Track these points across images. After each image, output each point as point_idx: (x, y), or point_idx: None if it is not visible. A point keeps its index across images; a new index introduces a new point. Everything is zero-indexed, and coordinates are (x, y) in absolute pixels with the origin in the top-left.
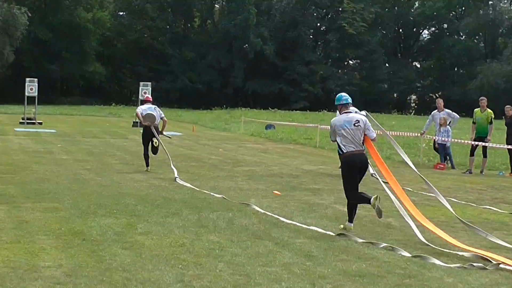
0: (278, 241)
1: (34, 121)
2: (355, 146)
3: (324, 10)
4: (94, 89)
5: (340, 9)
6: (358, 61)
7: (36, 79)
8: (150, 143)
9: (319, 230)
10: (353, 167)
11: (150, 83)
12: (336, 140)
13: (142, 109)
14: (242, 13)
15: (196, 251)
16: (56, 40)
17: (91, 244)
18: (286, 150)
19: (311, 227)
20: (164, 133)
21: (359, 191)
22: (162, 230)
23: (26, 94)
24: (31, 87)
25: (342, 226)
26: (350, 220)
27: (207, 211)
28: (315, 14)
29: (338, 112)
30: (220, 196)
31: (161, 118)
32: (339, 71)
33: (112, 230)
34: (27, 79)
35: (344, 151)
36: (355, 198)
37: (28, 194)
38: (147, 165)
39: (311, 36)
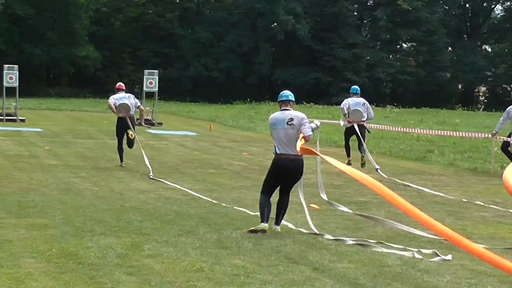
0: (317, 265)
1: (15, 117)
2: (288, 149)
3: None
4: (87, 78)
5: None
6: (414, 44)
7: (16, 66)
8: (125, 135)
9: (367, 252)
10: (278, 171)
11: (156, 71)
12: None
13: (115, 99)
14: None
15: (216, 278)
16: (39, 18)
17: (88, 268)
18: (325, 153)
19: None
20: (143, 123)
21: (269, 204)
22: (175, 251)
23: (5, 84)
24: (11, 76)
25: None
26: (263, 221)
27: (229, 229)
28: None
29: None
30: (244, 210)
31: (138, 107)
32: (390, 56)
33: (113, 251)
34: (5, 65)
35: (277, 152)
36: (260, 202)
37: (10, 207)
38: (121, 160)
39: (355, 13)
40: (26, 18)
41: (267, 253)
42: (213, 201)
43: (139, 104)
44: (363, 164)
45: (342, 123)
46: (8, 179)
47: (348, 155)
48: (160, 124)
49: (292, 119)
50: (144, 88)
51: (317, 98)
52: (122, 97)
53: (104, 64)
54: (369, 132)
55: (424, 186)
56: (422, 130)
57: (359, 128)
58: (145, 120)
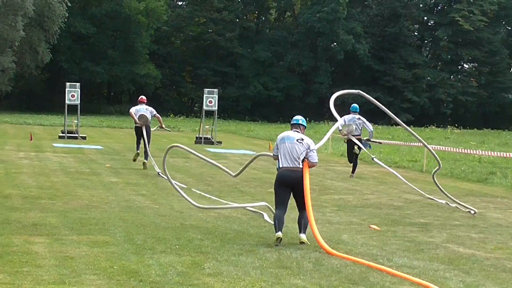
0: (378, 287)
1: (76, 135)
2: (290, 162)
3: (433, 0)
4: (147, 96)
5: None
6: (476, 64)
7: (78, 84)
8: (141, 139)
9: (428, 274)
10: (282, 183)
11: (215, 90)
12: (275, 155)
13: (136, 109)
14: (329, 3)
15: None
16: (101, 36)
17: (149, 286)
18: (385, 174)
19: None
20: (164, 126)
21: (283, 219)
22: (235, 271)
23: (67, 102)
24: (72, 94)
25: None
26: (276, 230)
27: (289, 249)
28: (421, 5)
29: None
30: None
31: (154, 116)
32: (451, 77)
33: (174, 269)
34: (68, 83)
35: (279, 166)
36: (274, 216)
37: (72, 224)
38: (138, 148)
39: (415, 33)
40: (88, 36)
41: (327, 273)
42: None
43: (155, 112)
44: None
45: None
46: (69, 196)
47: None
48: (220, 142)
49: (303, 139)
50: (204, 107)
51: (377, 118)
52: (141, 108)
53: (164, 83)
54: (370, 147)
55: (486, 209)
56: (484, 152)
57: (359, 141)
58: (205, 138)
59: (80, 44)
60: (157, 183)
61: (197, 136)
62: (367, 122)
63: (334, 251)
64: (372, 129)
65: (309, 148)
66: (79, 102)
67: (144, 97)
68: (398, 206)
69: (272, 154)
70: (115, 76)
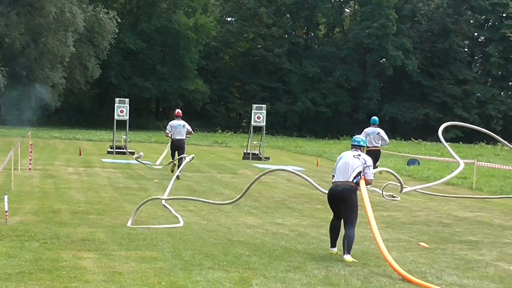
0: None
1: (124, 150)
2: (342, 177)
3: (483, 16)
4: (196, 112)
5: (504, 14)
6: None
7: (126, 100)
8: (176, 155)
9: None
10: (329, 198)
11: (264, 105)
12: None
13: (171, 126)
14: (379, 19)
15: None
16: (150, 52)
17: None
18: (434, 191)
19: None
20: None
21: (337, 228)
22: (282, 287)
23: (116, 117)
24: (121, 109)
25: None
26: (331, 245)
27: (337, 266)
28: (471, 21)
29: None
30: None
31: (188, 133)
32: (502, 93)
33: (222, 286)
34: (117, 99)
35: (332, 181)
36: (329, 226)
37: (120, 240)
38: (174, 159)
39: (465, 49)
40: (138, 52)
41: None
42: (321, 236)
43: (190, 130)
44: None
45: None
46: (118, 211)
47: None
48: (267, 158)
49: (360, 155)
50: (252, 122)
51: (426, 134)
52: (177, 125)
53: (212, 98)
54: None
55: None
56: None
57: (373, 152)
58: (253, 154)
59: (129, 59)
60: (205, 199)
61: (245, 151)
62: (385, 136)
63: (410, 277)
64: (388, 142)
65: (365, 163)
66: (127, 117)
67: (180, 111)
68: (448, 223)
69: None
70: (164, 91)
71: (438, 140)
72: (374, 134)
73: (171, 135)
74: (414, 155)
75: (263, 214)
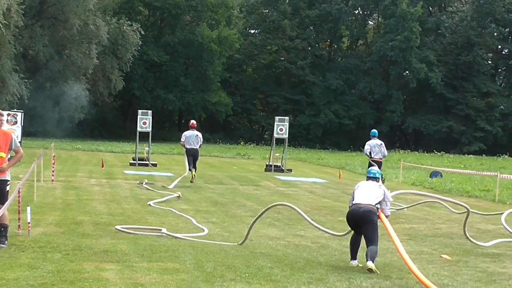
0: None
1: (147, 162)
2: (361, 200)
3: (507, 29)
4: (219, 124)
5: None
6: None
7: (149, 111)
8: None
9: None
10: (350, 219)
11: (287, 117)
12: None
13: (186, 136)
14: (402, 31)
15: None
16: (174, 64)
17: None
18: (456, 204)
19: None
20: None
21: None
22: None
23: (138, 129)
24: (144, 121)
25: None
26: (351, 258)
27: (359, 278)
28: (495, 34)
29: None
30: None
31: (199, 145)
32: None
33: None
34: (140, 111)
35: (351, 204)
36: (350, 242)
37: (143, 251)
38: (190, 168)
39: (489, 62)
40: (161, 64)
41: None
42: (343, 249)
43: (201, 141)
44: None
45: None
46: (140, 223)
47: None
48: (290, 170)
49: (380, 185)
50: (274, 135)
51: (449, 147)
52: (191, 135)
53: (235, 110)
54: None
55: None
56: None
57: (377, 163)
58: (275, 166)
59: (152, 71)
60: (227, 210)
61: (267, 163)
62: (384, 148)
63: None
64: (386, 154)
65: (385, 195)
66: (150, 129)
67: (194, 122)
68: (471, 235)
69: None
70: (187, 103)
71: (461, 153)
72: (378, 146)
73: (186, 144)
74: (437, 168)
75: (285, 226)
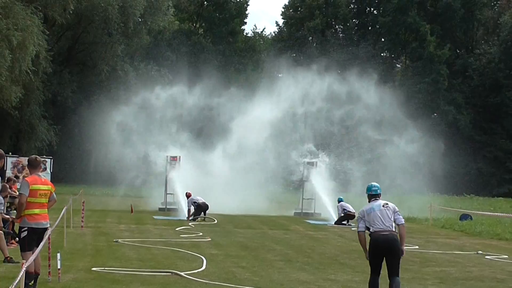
0: None
1: (176, 207)
2: (383, 226)
3: None
4: None
5: None
6: None
7: (179, 156)
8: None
9: None
10: (377, 247)
11: (315, 161)
12: (361, 230)
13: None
14: (430, 74)
15: None
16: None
17: None
18: (487, 246)
19: None
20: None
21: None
22: None
23: (167, 174)
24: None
25: None
26: None
27: None
28: None
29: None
30: None
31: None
32: None
33: None
34: (168, 156)
35: (372, 231)
36: (369, 283)
37: None
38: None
39: None
40: None
41: None
42: None
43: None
44: None
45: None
46: (169, 268)
47: None
48: (318, 214)
49: (387, 204)
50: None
51: (478, 189)
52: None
53: None
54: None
55: None
56: None
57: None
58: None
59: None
60: (257, 255)
61: (296, 207)
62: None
63: None
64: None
65: (394, 210)
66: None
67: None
68: (502, 278)
69: (357, 230)
70: None
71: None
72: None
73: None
74: (466, 210)
75: (316, 270)
